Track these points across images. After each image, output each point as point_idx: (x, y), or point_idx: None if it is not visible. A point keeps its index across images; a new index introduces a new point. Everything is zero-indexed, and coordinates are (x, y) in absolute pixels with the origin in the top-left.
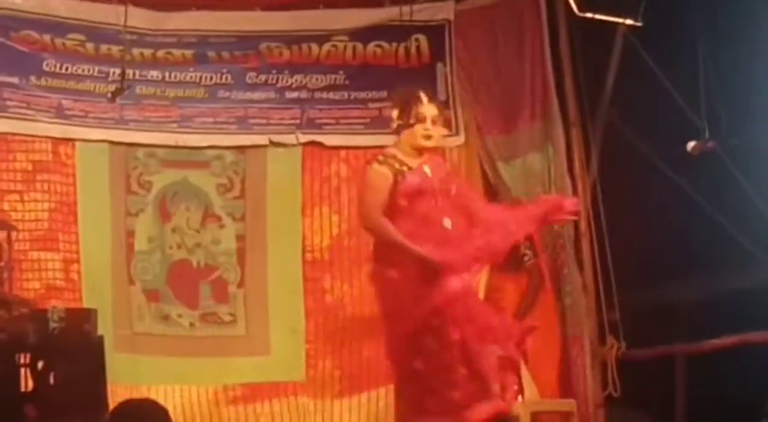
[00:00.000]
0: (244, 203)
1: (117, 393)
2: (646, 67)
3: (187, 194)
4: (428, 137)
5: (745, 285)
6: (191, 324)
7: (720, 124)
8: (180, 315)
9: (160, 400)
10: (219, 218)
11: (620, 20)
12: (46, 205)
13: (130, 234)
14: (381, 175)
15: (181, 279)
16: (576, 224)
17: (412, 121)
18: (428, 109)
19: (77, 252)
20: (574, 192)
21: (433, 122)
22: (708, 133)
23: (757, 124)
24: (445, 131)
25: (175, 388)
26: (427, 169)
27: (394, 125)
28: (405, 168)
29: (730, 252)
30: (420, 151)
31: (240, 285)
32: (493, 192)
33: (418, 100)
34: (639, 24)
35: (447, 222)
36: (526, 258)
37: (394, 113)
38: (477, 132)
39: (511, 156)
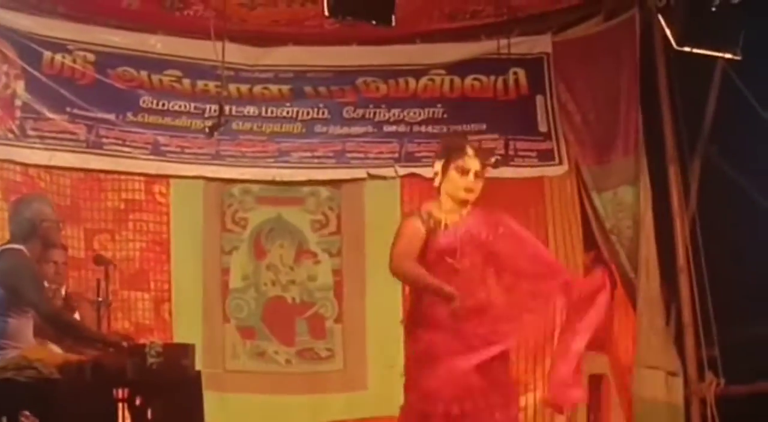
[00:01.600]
0: (340, 238)
1: None
2: (745, 102)
3: (281, 231)
4: (470, 190)
5: None
6: (287, 361)
7: None
8: (276, 352)
9: None
10: (314, 254)
11: (719, 54)
12: (137, 245)
13: (225, 271)
14: (414, 227)
15: (276, 315)
16: (674, 260)
17: (452, 173)
18: (473, 162)
19: (169, 292)
20: (672, 227)
21: (476, 176)
22: None
23: None
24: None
25: None
26: (460, 229)
27: (437, 178)
28: (440, 225)
29: None
30: (462, 204)
31: (337, 320)
32: (587, 221)
33: (463, 152)
34: (738, 58)
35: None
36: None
37: (438, 164)
38: (574, 162)
39: (603, 187)
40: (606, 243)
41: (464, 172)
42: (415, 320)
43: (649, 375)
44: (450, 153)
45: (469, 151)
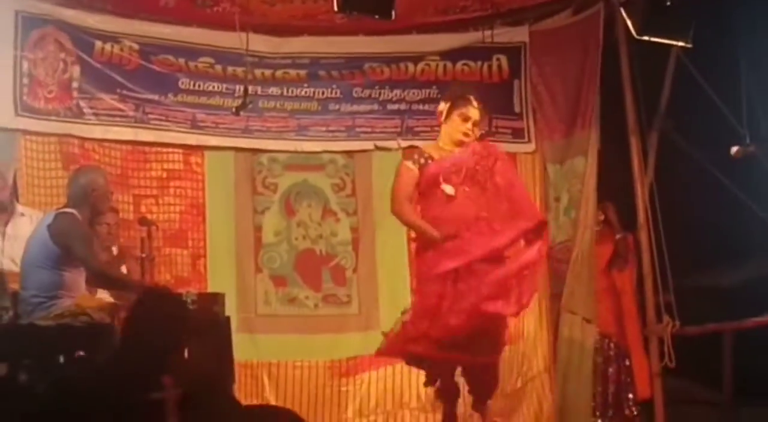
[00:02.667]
0: (355, 200)
1: (238, 369)
2: (695, 82)
3: (308, 193)
4: (467, 135)
5: None
6: (315, 305)
7: (760, 130)
8: (307, 297)
9: (278, 375)
10: (335, 213)
11: (673, 42)
12: (177, 208)
13: (258, 229)
14: (407, 169)
15: (306, 265)
16: (636, 219)
17: (453, 118)
18: (474, 112)
19: (204, 248)
20: (633, 191)
21: (474, 124)
22: (749, 139)
23: None
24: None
25: (291, 363)
26: (447, 160)
27: (441, 116)
28: (429, 160)
29: None
30: (459, 144)
31: (355, 270)
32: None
33: (468, 101)
34: (689, 45)
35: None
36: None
37: (444, 105)
38: (538, 138)
39: (563, 158)
40: (549, 211)
41: (466, 118)
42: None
43: (569, 319)
44: (457, 99)
45: (474, 102)
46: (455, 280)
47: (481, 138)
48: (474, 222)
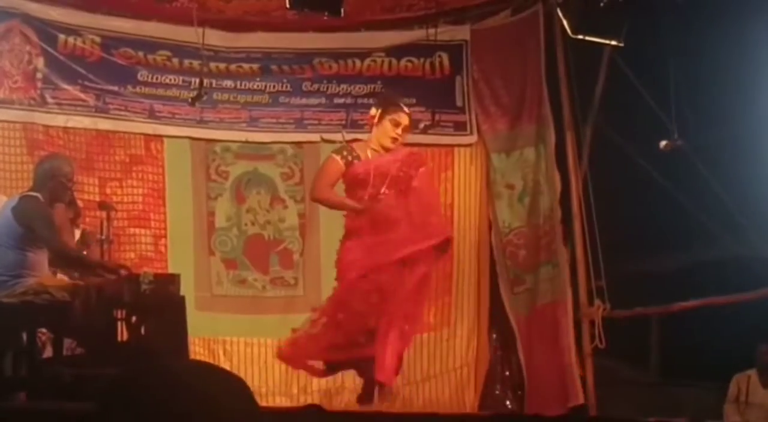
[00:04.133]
0: (303, 188)
1: (196, 344)
2: (627, 79)
3: (257, 181)
4: (395, 140)
5: (707, 258)
6: (263, 287)
7: (687, 126)
8: (255, 280)
9: (231, 351)
10: (283, 200)
11: (606, 41)
12: (140, 190)
13: (211, 214)
14: (334, 162)
15: (255, 250)
16: (569, 207)
17: (384, 123)
18: (404, 118)
19: (165, 229)
20: (568, 181)
21: (404, 130)
22: (677, 134)
23: (717, 126)
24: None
25: (243, 340)
26: (372, 162)
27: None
28: (356, 159)
29: (695, 231)
30: (386, 150)
31: (301, 254)
32: (489, 180)
33: (399, 107)
34: (621, 44)
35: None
36: None
37: (375, 111)
38: (481, 130)
39: (511, 149)
40: (499, 198)
41: (396, 124)
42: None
43: None
44: (388, 105)
45: (404, 108)
46: (374, 278)
47: (424, 130)
48: (391, 224)
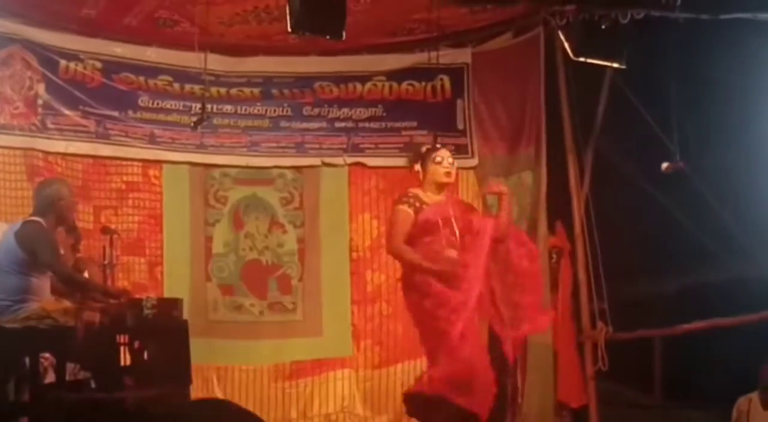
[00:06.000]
0: (303, 213)
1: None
2: (629, 102)
3: (256, 206)
4: (448, 174)
5: (710, 280)
6: (260, 312)
7: (689, 148)
8: (252, 305)
9: (225, 377)
10: (282, 225)
11: (608, 64)
12: (135, 218)
13: (209, 239)
14: (405, 213)
15: (252, 275)
16: (572, 231)
17: (429, 168)
18: (444, 152)
19: (161, 257)
20: (570, 204)
21: (450, 163)
22: (679, 156)
23: (719, 147)
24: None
25: (238, 366)
26: (439, 207)
27: (420, 175)
28: (424, 205)
29: (698, 253)
30: (440, 187)
31: (300, 279)
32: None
33: (435, 149)
34: (624, 67)
35: (451, 253)
36: (552, 260)
37: (417, 166)
38: (480, 153)
39: (510, 172)
40: None
41: (440, 161)
42: (409, 286)
43: None
44: (425, 154)
45: (438, 146)
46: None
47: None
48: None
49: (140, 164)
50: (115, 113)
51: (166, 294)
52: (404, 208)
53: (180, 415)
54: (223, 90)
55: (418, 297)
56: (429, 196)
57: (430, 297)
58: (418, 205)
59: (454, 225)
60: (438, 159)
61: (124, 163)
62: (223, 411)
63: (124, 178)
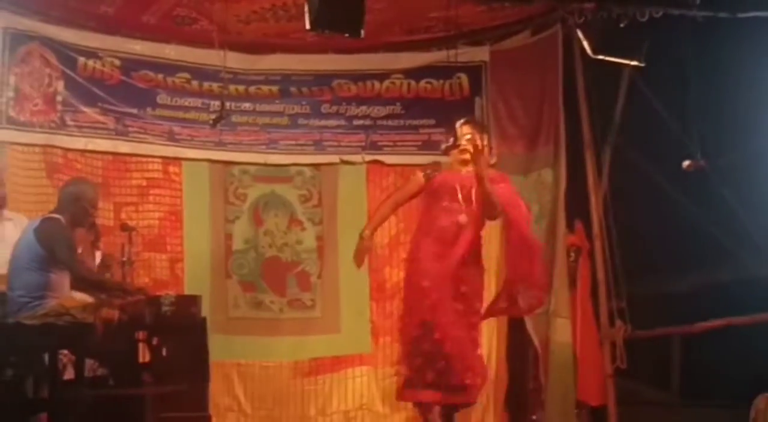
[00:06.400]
0: (321, 210)
1: (212, 367)
2: (647, 100)
3: (275, 203)
4: (464, 151)
5: (729, 278)
6: (280, 309)
7: (708, 146)
8: (272, 302)
9: (246, 374)
10: (301, 223)
11: (627, 61)
12: (156, 214)
13: (228, 237)
14: (414, 177)
15: (272, 272)
16: (590, 229)
17: (457, 143)
18: (461, 129)
19: (181, 253)
20: (588, 202)
21: (470, 141)
22: (699, 154)
23: (738, 147)
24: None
25: (258, 363)
26: (450, 175)
27: (443, 147)
28: (436, 173)
29: (717, 251)
30: (463, 163)
31: (319, 276)
32: None
33: (453, 129)
34: (642, 64)
35: (462, 218)
36: (571, 258)
37: (451, 139)
38: (498, 151)
39: (529, 170)
40: None
41: (458, 146)
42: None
43: (561, 324)
44: (452, 144)
45: (457, 126)
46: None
47: (444, 152)
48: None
49: (160, 161)
50: (134, 110)
51: (187, 291)
52: (419, 173)
53: None
54: (241, 87)
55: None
56: (450, 169)
57: (412, 263)
58: (429, 171)
59: (459, 193)
60: (455, 139)
61: (144, 159)
62: None
63: (145, 175)
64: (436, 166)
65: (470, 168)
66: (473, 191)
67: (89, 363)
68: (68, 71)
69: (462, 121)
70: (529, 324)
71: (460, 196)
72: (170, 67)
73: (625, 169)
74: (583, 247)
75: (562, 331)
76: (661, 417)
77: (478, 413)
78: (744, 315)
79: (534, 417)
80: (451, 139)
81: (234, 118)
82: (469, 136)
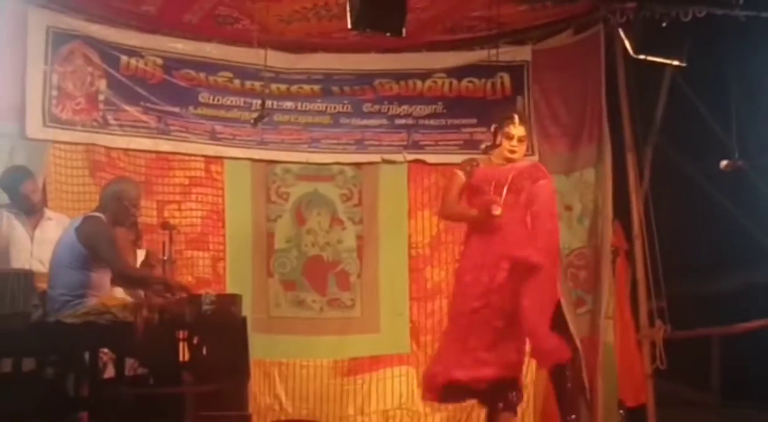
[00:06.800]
0: (361, 210)
1: (252, 366)
2: (688, 100)
3: (317, 202)
4: (512, 152)
5: None
6: (321, 308)
7: (748, 146)
8: (314, 301)
9: (287, 373)
10: (342, 222)
11: (669, 61)
12: (198, 213)
13: (270, 235)
14: (455, 176)
15: (314, 271)
16: (629, 229)
17: (500, 140)
18: (517, 129)
19: (223, 251)
20: (629, 203)
21: (519, 140)
22: (738, 154)
23: None
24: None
25: (299, 362)
26: (489, 170)
27: (483, 146)
28: (475, 168)
29: (757, 252)
30: (507, 161)
31: (359, 276)
32: None
33: (511, 120)
34: (684, 64)
35: (496, 210)
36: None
37: (492, 127)
38: (540, 150)
39: (571, 170)
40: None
41: (509, 137)
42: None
43: (608, 324)
44: (501, 121)
45: (515, 120)
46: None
47: (485, 151)
48: (498, 229)
49: (202, 159)
50: (176, 109)
51: (229, 290)
52: (458, 172)
53: None
54: (283, 87)
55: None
56: (491, 163)
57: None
58: (470, 167)
59: (504, 188)
60: (509, 132)
61: (187, 158)
62: None
63: (187, 174)
64: (472, 161)
65: (514, 164)
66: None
67: (129, 361)
68: (111, 70)
69: (516, 117)
70: (572, 323)
71: (504, 189)
72: (212, 66)
73: (666, 169)
74: (620, 248)
75: (608, 332)
76: (700, 417)
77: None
78: None
79: (573, 417)
80: (499, 138)
81: (276, 117)
82: (522, 134)
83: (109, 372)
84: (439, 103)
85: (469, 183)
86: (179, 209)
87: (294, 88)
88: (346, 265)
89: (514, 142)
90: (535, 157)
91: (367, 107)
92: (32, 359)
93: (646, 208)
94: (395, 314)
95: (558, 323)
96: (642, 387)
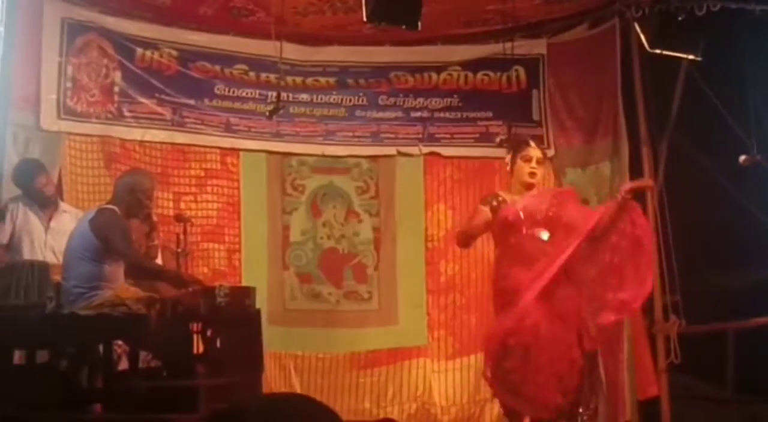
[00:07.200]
0: (378, 202)
1: (267, 358)
2: (704, 95)
3: (333, 195)
4: (533, 174)
5: None
6: (337, 301)
7: (765, 141)
8: (330, 293)
9: (302, 365)
10: (358, 214)
11: (684, 55)
12: (214, 205)
13: (286, 228)
14: (479, 210)
15: (329, 264)
16: None
17: (518, 164)
18: (534, 151)
19: (239, 244)
20: (644, 197)
21: (538, 162)
22: (755, 149)
23: None
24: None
25: (315, 354)
26: (519, 203)
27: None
28: (502, 204)
29: None
30: (528, 186)
31: (376, 268)
32: None
33: (527, 143)
34: (700, 59)
35: (543, 235)
36: None
37: (507, 156)
38: (556, 144)
39: (586, 163)
40: None
41: (527, 159)
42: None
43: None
44: (516, 146)
45: (531, 143)
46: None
47: (500, 144)
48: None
49: (218, 151)
50: (191, 101)
51: (244, 282)
52: (482, 207)
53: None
54: (298, 79)
55: (496, 281)
56: (513, 195)
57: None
58: (495, 204)
59: (539, 219)
60: (526, 155)
61: (202, 150)
62: (304, 409)
63: (203, 166)
64: (497, 196)
65: (534, 191)
66: (551, 211)
67: (143, 354)
68: (126, 62)
69: (532, 141)
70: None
71: (540, 219)
72: (227, 58)
73: (681, 163)
74: None
75: (626, 325)
76: (714, 412)
77: None
78: None
79: (590, 407)
80: (517, 162)
81: (291, 110)
82: (540, 156)
83: (123, 365)
84: (455, 96)
85: (496, 218)
86: (195, 201)
87: (309, 80)
88: (362, 258)
89: (534, 164)
90: (551, 151)
91: (382, 100)
92: (46, 350)
93: (660, 203)
94: (413, 305)
95: None
96: (651, 380)
